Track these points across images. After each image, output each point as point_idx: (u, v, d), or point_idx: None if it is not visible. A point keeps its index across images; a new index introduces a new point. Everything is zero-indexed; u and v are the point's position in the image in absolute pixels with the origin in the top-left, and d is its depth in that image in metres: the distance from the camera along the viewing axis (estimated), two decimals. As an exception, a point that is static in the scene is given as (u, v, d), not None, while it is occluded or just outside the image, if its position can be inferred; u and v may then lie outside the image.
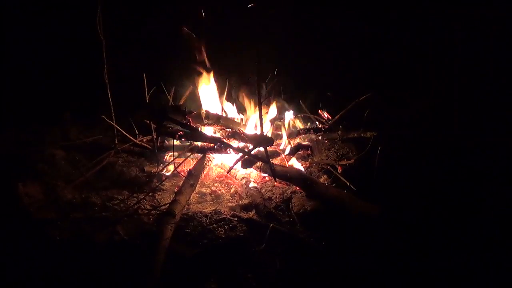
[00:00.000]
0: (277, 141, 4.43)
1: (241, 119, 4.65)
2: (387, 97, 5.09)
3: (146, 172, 4.01)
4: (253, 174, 4.12)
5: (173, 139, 4.09)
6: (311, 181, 3.58)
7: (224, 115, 4.57)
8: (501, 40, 5.24)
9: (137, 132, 4.11)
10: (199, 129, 4.16)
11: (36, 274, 2.58)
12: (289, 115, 4.81)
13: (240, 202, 3.65)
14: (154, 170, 4.02)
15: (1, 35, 4.81)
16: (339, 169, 3.96)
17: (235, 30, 5.57)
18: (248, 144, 4.06)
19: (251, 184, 3.77)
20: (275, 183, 3.83)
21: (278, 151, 4.31)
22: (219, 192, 3.88)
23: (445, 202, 3.54)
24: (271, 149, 4.11)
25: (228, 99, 4.78)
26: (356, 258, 2.93)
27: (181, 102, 4.64)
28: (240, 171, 4.09)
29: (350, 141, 4.51)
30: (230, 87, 4.81)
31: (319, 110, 4.90)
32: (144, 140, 4.13)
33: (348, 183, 3.69)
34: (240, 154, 3.81)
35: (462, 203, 3.54)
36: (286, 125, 4.70)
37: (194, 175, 3.70)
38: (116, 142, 4.03)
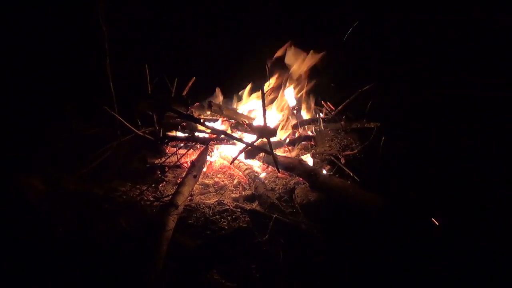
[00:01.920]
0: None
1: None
2: (390, 87, 5.06)
3: (148, 163, 4.01)
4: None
5: (176, 131, 4.08)
6: (314, 172, 3.58)
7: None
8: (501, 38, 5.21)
9: (139, 124, 4.10)
10: (202, 120, 4.14)
11: (39, 264, 2.59)
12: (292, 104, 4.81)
13: (243, 193, 3.65)
14: (157, 162, 4.02)
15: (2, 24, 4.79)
16: (343, 160, 3.94)
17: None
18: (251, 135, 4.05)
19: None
20: (278, 174, 3.82)
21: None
22: (222, 183, 3.88)
23: (449, 193, 3.52)
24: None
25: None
26: (359, 249, 2.93)
27: (184, 93, 4.62)
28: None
29: (353, 131, 4.48)
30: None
31: (323, 101, 4.88)
32: (147, 131, 4.11)
33: (351, 174, 3.67)
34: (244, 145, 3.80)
35: (466, 195, 3.52)
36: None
37: (197, 166, 3.69)
38: (119, 133, 4.01)
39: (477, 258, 2.86)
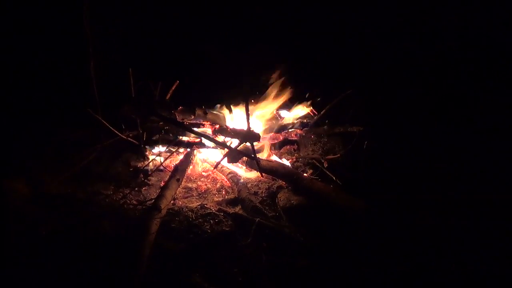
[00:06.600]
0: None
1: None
2: (372, 92, 5.11)
3: (132, 167, 4.01)
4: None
5: (159, 134, 4.08)
6: (297, 176, 3.61)
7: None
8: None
9: (123, 127, 4.10)
10: (186, 124, 4.15)
11: (21, 268, 2.58)
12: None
13: (226, 196, 3.66)
14: (140, 165, 4.02)
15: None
16: (325, 164, 3.98)
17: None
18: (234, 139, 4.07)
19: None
20: (261, 177, 3.84)
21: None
22: (205, 187, 3.89)
23: (431, 196, 3.56)
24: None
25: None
26: (341, 253, 2.95)
27: (167, 97, 4.62)
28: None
29: (336, 136, 4.52)
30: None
31: (305, 106, 4.91)
32: (130, 135, 4.11)
33: (334, 178, 3.71)
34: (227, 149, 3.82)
35: (448, 197, 3.56)
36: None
37: (180, 170, 3.70)
38: (102, 136, 4.00)
39: (466, 259, 2.89)
